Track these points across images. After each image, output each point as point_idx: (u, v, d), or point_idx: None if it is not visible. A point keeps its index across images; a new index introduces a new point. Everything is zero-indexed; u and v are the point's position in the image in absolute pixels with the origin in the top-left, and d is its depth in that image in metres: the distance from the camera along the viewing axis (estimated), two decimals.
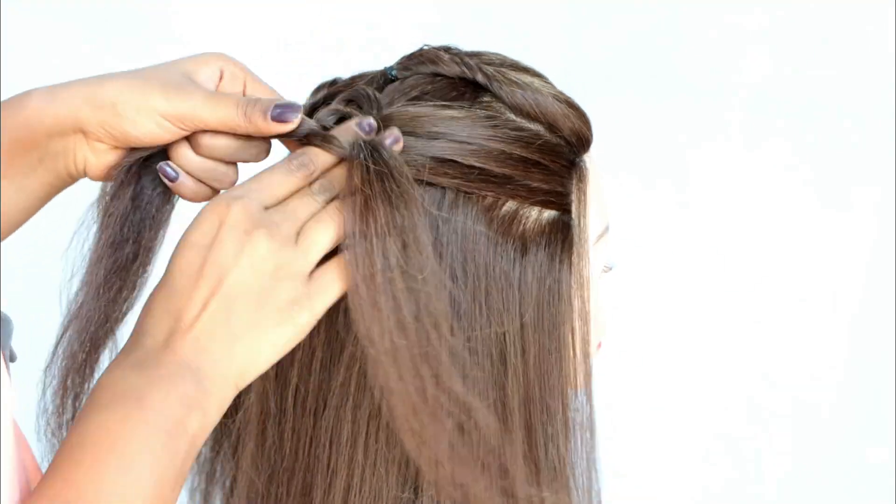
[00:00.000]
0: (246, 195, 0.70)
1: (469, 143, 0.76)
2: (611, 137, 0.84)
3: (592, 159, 0.81)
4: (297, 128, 0.74)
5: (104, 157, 0.76)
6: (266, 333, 0.69)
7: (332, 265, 0.71)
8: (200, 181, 0.76)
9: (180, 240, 0.71)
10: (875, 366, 1.65)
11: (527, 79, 0.79)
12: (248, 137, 0.75)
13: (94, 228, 0.77)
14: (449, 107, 0.77)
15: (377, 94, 0.78)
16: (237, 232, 0.69)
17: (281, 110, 0.73)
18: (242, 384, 0.70)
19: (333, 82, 0.82)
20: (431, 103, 0.77)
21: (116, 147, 0.75)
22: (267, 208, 0.70)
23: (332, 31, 1.54)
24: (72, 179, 0.78)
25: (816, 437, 1.67)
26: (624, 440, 1.61)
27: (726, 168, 1.62)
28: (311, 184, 0.73)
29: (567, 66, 0.86)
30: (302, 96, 0.81)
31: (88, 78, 0.75)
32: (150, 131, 0.73)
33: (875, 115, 1.61)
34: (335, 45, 1.52)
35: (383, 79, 0.81)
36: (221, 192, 0.75)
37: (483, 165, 0.76)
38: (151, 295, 0.71)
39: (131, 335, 0.71)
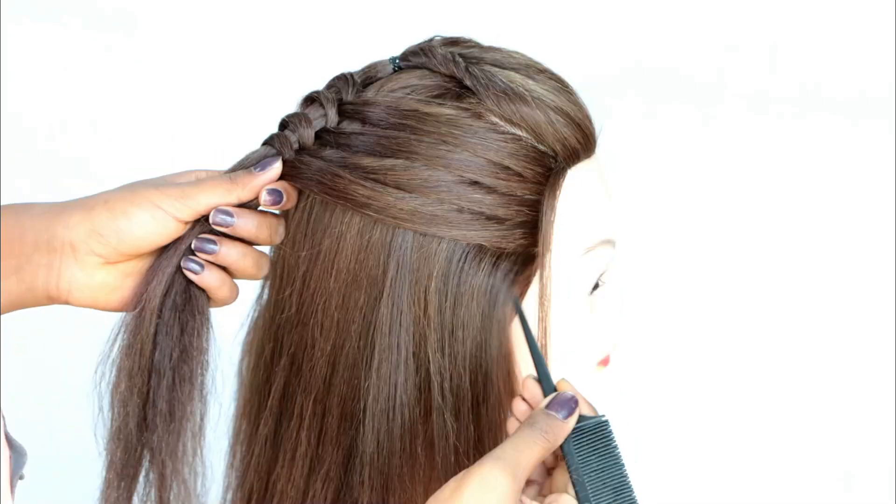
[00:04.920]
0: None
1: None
2: (611, 138, 0.83)
3: (592, 168, 0.79)
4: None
5: (93, 275, 0.74)
6: None
7: None
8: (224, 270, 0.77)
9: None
10: (878, 367, 1.65)
11: (524, 83, 0.77)
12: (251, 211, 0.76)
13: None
14: (436, 104, 0.76)
15: (355, 77, 0.78)
16: None
17: (262, 163, 0.76)
18: None
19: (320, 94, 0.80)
20: (415, 97, 0.76)
21: (107, 262, 0.74)
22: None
23: (328, 30, 1.54)
24: (48, 301, 0.75)
25: (817, 439, 1.67)
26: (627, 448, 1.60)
27: (727, 168, 1.62)
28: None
29: (567, 70, 0.84)
30: (294, 95, 0.80)
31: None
32: (145, 223, 0.73)
33: (877, 114, 1.61)
34: (331, 45, 1.52)
35: (391, 66, 0.79)
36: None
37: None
38: None
39: None
